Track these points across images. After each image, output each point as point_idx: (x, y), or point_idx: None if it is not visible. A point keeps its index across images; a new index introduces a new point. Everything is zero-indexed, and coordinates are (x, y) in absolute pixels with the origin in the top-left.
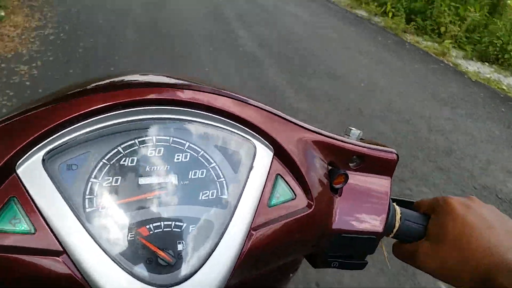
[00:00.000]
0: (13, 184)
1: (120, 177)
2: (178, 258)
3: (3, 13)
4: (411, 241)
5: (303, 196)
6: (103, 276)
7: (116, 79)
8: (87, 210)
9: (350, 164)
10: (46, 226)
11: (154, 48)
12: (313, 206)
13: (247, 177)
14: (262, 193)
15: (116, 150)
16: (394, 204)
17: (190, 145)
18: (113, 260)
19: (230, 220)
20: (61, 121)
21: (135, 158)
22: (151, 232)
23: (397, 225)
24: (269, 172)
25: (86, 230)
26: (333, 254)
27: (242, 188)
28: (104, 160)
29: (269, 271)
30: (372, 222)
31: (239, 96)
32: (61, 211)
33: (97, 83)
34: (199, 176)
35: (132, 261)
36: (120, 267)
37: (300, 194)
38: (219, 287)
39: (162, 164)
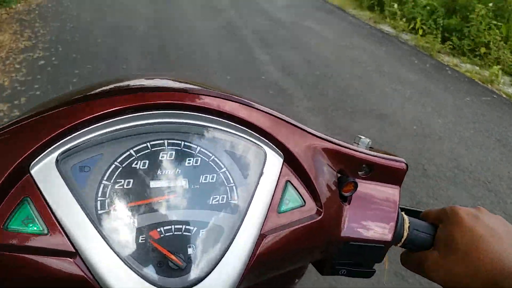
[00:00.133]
0: (27, 185)
1: (132, 180)
2: (188, 262)
3: None
4: (418, 250)
5: (312, 203)
6: (115, 278)
7: (128, 83)
8: (99, 212)
9: (359, 173)
10: (59, 227)
11: None
12: (322, 214)
13: (257, 183)
14: (271, 199)
15: (128, 153)
16: (403, 213)
17: (201, 149)
18: (124, 262)
19: (240, 225)
20: (76, 123)
21: (147, 161)
22: (162, 236)
23: (405, 234)
24: (279, 178)
25: (98, 232)
26: (341, 262)
27: (252, 194)
28: (116, 163)
29: (275, 276)
30: (381, 231)
31: (250, 101)
32: (73, 213)
33: (109, 86)
34: (210, 180)
35: (143, 263)
36: (131, 269)
37: (309, 201)
38: None
39: (173, 168)
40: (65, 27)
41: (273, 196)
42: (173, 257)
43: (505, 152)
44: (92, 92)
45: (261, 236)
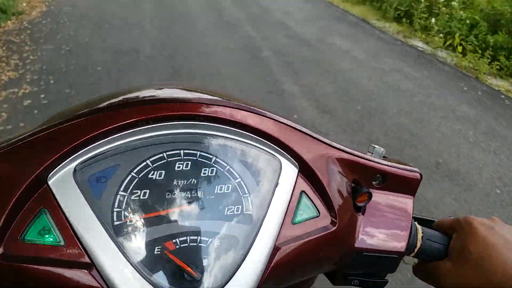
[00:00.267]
0: (44, 196)
1: (148, 191)
2: (203, 273)
3: None
4: (431, 260)
5: (326, 213)
6: None
7: (142, 93)
8: (115, 223)
9: (373, 182)
10: (75, 238)
11: None
12: (336, 224)
13: (273, 193)
14: (286, 209)
15: (145, 163)
16: (416, 223)
17: (217, 159)
18: (140, 274)
19: (256, 236)
20: (93, 134)
21: (163, 172)
22: (177, 247)
23: (418, 244)
24: (293, 188)
25: (114, 243)
26: (354, 272)
27: (267, 204)
28: (133, 173)
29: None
30: (395, 242)
31: (264, 111)
32: (90, 224)
33: (124, 96)
34: (225, 191)
35: (158, 275)
36: (146, 280)
37: (323, 212)
38: None
39: (189, 178)
40: (59, 50)
41: (288, 206)
42: (188, 268)
43: None
44: (108, 103)
45: (276, 248)
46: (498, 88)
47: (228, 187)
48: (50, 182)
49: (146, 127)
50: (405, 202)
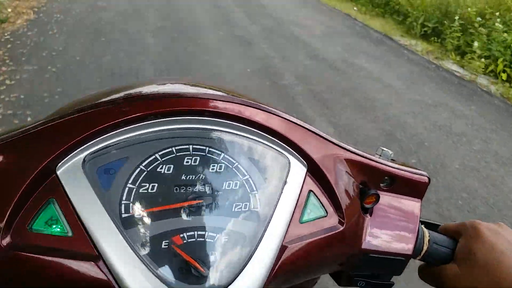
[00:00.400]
0: (52, 186)
1: (156, 184)
2: (210, 269)
3: None
4: (437, 264)
5: (334, 214)
6: (137, 282)
7: (153, 87)
8: (123, 215)
9: (381, 185)
10: (82, 229)
11: None
12: (344, 225)
13: (281, 192)
14: (294, 208)
15: (153, 157)
16: (423, 226)
17: (225, 156)
18: (146, 267)
19: (263, 234)
20: (103, 126)
21: (172, 166)
22: (184, 241)
23: (425, 247)
24: (302, 188)
25: (122, 235)
26: (359, 273)
27: (275, 202)
28: (141, 166)
29: (288, 287)
30: (402, 244)
31: (275, 110)
32: (97, 215)
33: (135, 90)
34: (233, 187)
35: (165, 269)
36: (153, 274)
37: (331, 212)
38: None
39: (198, 174)
40: (44, 72)
41: (296, 205)
42: (196, 263)
43: None
44: (119, 95)
45: (284, 246)
46: None
47: (236, 184)
48: (58, 172)
49: (156, 120)
50: (413, 205)
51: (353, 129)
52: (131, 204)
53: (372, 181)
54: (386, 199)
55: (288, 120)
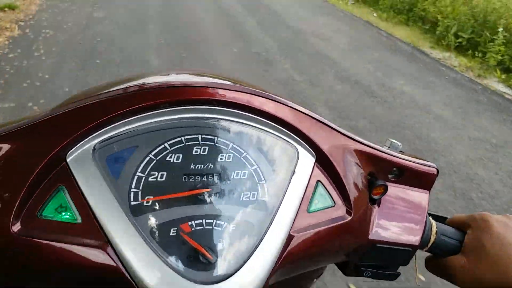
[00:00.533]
0: (62, 173)
1: (165, 173)
2: (218, 256)
3: None
4: (445, 256)
5: (342, 204)
6: (145, 268)
7: (162, 77)
8: (132, 203)
9: (389, 176)
10: (92, 216)
11: None
12: (351, 215)
13: (289, 182)
14: (302, 198)
15: (163, 146)
16: (430, 218)
17: (234, 146)
18: (155, 254)
19: (271, 223)
20: (113, 115)
21: (181, 155)
22: (193, 229)
23: (432, 239)
24: (310, 178)
25: (131, 222)
26: (366, 264)
27: (283, 192)
28: (151, 155)
29: (294, 275)
30: (409, 235)
31: (284, 99)
32: (107, 203)
33: (145, 80)
34: (241, 177)
35: (173, 256)
36: (162, 260)
37: (339, 202)
38: None
39: (206, 163)
40: (22, 112)
41: (303, 195)
42: (203, 251)
43: None
44: (128, 84)
45: (291, 235)
46: None
47: (244, 174)
48: (68, 160)
49: (165, 110)
50: (421, 196)
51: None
52: (140, 192)
53: (380, 172)
54: (394, 190)
55: (297, 110)
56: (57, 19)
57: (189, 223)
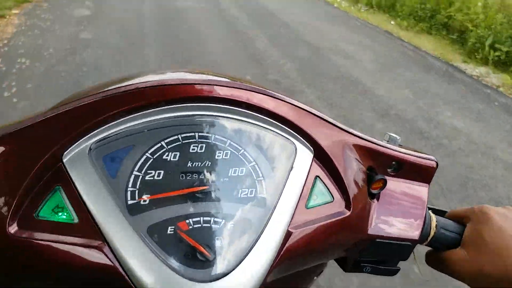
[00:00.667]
0: (58, 174)
1: (162, 171)
2: (216, 254)
3: None
4: (445, 249)
5: (340, 199)
6: (143, 268)
7: (158, 76)
8: (129, 202)
9: (388, 170)
10: (88, 216)
11: None
12: (350, 210)
13: (287, 178)
14: (300, 194)
15: (159, 144)
16: (430, 211)
17: (231, 143)
18: (152, 252)
19: (269, 219)
20: (108, 114)
21: (178, 154)
22: (190, 227)
23: (432, 233)
24: (308, 173)
25: (128, 222)
26: (366, 259)
27: (281, 188)
28: (147, 154)
29: (295, 273)
30: (408, 229)
31: (280, 95)
32: (103, 202)
33: (140, 79)
34: (239, 174)
35: (171, 254)
36: (159, 259)
37: (337, 197)
38: (256, 285)
39: (204, 161)
40: None
41: (302, 191)
42: (201, 248)
43: None
44: (124, 84)
45: (289, 232)
46: None
47: (242, 170)
48: (65, 161)
49: (161, 108)
50: (420, 190)
51: None
52: (137, 191)
53: (379, 166)
54: (393, 184)
55: (294, 105)
56: (36, 43)
57: (187, 221)
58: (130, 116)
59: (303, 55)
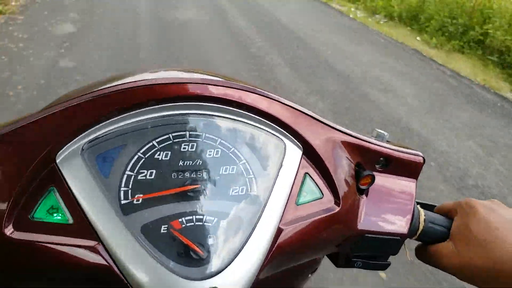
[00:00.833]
0: (52, 175)
1: (154, 171)
2: (209, 252)
3: None
4: (434, 243)
5: (330, 195)
6: (137, 267)
7: (149, 75)
8: (123, 202)
9: (376, 166)
10: (83, 217)
11: None
12: (340, 206)
13: (277, 175)
14: (290, 191)
15: (151, 144)
16: (418, 206)
17: (222, 141)
18: (146, 252)
19: (260, 216)
20: (100, 114)
21: (169, 153)
22: (183, 226)
23: (421, 227)
24: (297, 170)
25: (121, 221)
26: (357, 254)
27: (271, 185)
28: (139, 154)
29: (289, 271)
30: (397, 224)
31: (270, 94)
32: (97, 202)
33: (131, 78)
34: (230, 172)
35: (164, 253)
36: (153, 258)
37: (327, 194)
38: (249, 282)
39: (195, 159)
40: None
41: (291, 188)
42: (194, 246)
43: None
44: (115, 84)
45: (280, 228)
46: None
47: (233, 169)
48: (58, 161)
49: (152, 107)
50: (408, 185)
51: None
52: (130, 191)
53: (367, 162)
54: (382, 179)
55: (282, 103)
56: (0, 77)
57: (180, 220)
58: (122, 116)
59: (334, 89)
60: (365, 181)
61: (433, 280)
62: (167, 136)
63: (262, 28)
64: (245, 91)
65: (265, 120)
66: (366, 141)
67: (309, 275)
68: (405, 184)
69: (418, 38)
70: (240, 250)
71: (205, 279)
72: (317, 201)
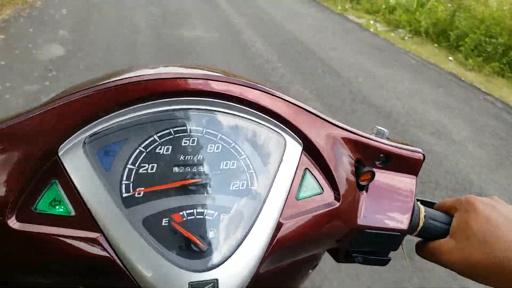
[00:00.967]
0: (55, 167)
1: (155, 165)
2: (209, 245)
3: None
4: (434, 239)
5: (330, 191)
6: (139, 258)
7: (151, 70)
8: (124, 195)
9: (377, 162)
10: (85, 209)
11: None
12: (340, 201)
13: (277, 170)
14: (290, 186)
15: (152, 138)
16: (418, 203)
17: (222, 136)
18: (147, 243)
19: (260, 210)
20: (102, 108)
21: (170, 147)
22: (184, 219)
23: (421, 223)
24: (297, 166)
25: (123, 214)
26: (357, 250)
27: (272, 180)
28: (140, 148)
29: (289, 266)
30: (397, 220)
31: (271, 89)
32: (99, 195)
33: (133, 73)
34: (230, 167)
35: (165, 245)
36: (155, 250)
37: (327, 189)
38: (249, 275)
39: (195, 154)
40: None
41: (292, 183)
42: (195, 239)
43: None
44: (117, 78)
45: (280, 223)
46: None
47: (234, 163)
48: (60, 154)
49: (153, 102)
50: (408, 182)
51: None
52: (131, 184)
53: (367, 158)
54: (382, 176)
55: (285, 100)
56: None
57: (181, 213)
58: (123, 110)
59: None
60: (365, 177)
61: None
62: (168, 130)
63: (282, 53)
64: (246, 87)
65: (266, 116)
66: (366, 138)
67: (310, 270)
68: (405, 181)
69: (450, 58)
70: (240, 244)
71: (206, 271)
72: (317, 196)
